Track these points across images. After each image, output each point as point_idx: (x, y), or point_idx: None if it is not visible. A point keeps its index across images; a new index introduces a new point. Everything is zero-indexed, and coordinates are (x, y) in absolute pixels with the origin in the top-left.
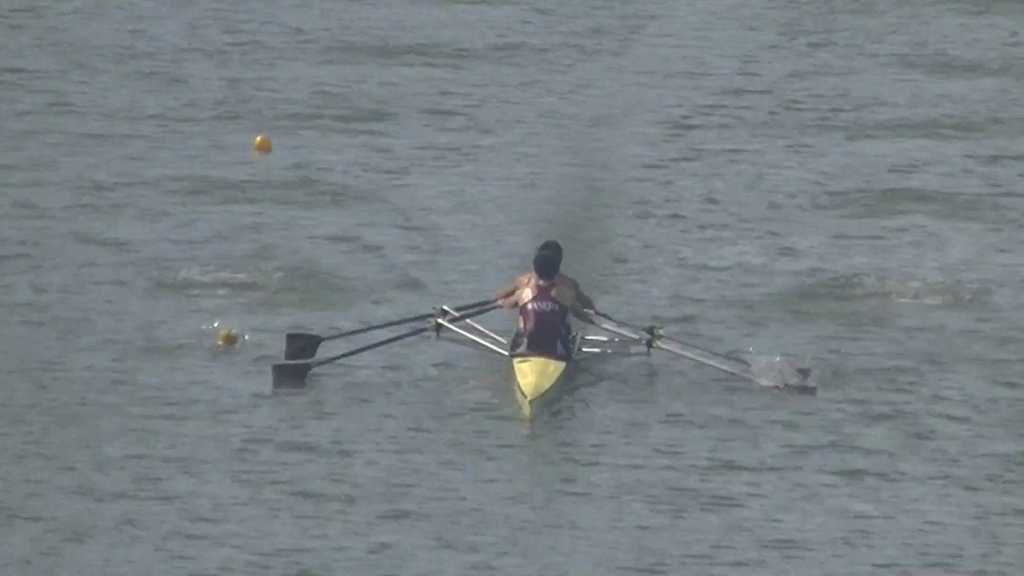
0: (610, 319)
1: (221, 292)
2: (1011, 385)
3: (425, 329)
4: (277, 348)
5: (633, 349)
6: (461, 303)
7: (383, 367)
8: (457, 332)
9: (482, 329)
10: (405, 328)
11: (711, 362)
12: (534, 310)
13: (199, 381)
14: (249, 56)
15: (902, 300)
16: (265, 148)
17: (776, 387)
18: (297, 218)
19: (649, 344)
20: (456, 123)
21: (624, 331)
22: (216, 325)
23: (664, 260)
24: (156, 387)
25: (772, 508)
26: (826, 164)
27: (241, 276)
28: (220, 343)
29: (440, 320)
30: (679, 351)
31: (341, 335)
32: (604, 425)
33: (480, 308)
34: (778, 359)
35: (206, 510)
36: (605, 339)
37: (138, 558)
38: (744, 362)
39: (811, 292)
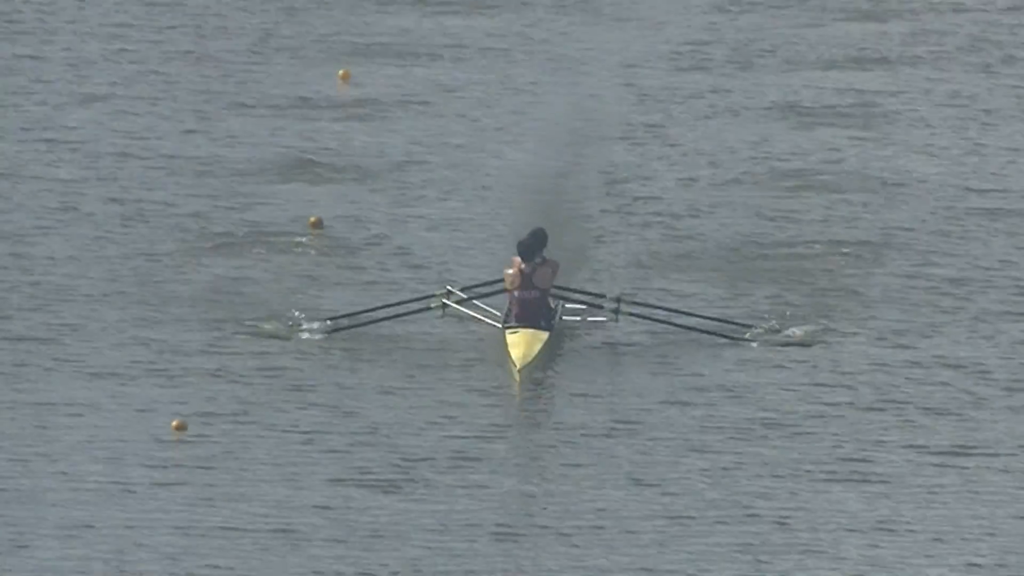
0: (579, 293)
1: (310, 188)
2: (891, 305)
3: (431, 308)
4: (351, 234)
5: (603, 317)
6: (471, 269)
7: (396, 334)
8: (459, 309)
9: (481, 305)
10: (413, 306)
11: (670, 320)
12: (519, 298)
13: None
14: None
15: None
16: (347, 78)
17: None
18: (369, 130)
19: (616, 312)
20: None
21: (595, 301)
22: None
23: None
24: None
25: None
26: (756, 140)
27: (326, 175)
28: (311, 226)
29: (445, 300)
30: (644, 314)
31: (347, 315)
32: (582, 386)
33: (486, 285)
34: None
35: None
36: (582, 307)
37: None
38: (697, 315)
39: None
